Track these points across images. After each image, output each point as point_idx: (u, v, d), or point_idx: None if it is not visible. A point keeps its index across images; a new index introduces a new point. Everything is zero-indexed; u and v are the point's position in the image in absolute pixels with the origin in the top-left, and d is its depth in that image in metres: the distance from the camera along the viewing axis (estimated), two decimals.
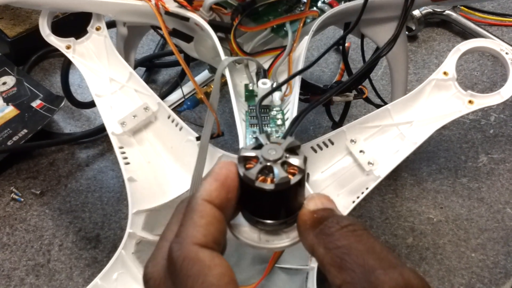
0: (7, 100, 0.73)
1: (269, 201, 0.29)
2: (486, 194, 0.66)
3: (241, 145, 0.44)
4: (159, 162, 0.53)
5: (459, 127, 0.73)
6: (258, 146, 0.30)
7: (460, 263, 0.60)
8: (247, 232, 0.31)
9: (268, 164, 0.28)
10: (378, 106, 0.62)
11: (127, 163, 0.52)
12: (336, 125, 0.68)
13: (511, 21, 0.88)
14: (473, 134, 0.73)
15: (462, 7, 0.87)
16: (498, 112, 0.75)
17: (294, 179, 0.28)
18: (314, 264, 0.49)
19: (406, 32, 0.84)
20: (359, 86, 0.64)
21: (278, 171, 0.28)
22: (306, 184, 0.32)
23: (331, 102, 0.65)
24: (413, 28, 0.85)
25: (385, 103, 0.62)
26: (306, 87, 0.63)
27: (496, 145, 0.71)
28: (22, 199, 0.66)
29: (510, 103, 0.76)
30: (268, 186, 0.28)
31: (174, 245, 0.27)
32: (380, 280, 0.24)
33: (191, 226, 0.27)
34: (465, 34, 0.86)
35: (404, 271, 0.25)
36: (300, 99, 0.57)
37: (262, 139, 0.30)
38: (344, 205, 0.50)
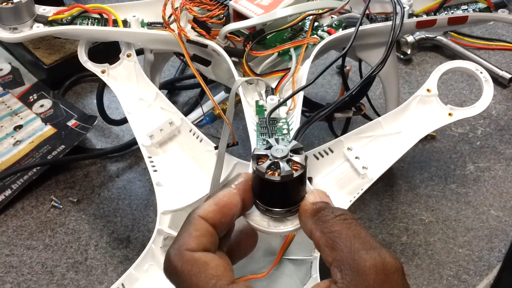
0: (45, 120, 0.82)
1: (276, 191, 0.35)
2: (473, 198, 0.73)
3: (253, 148, 0.51)
4: (182, 169, 0.60)
5: (449, 139, 0.81)
6: (269, 147, 0.36)
7: (449, 257, 0.67)
8: (258, 220, 0.37)
9: (276, 160, 0.35)
10: None
11: (155, 171, 0.60)
12: None
13: (497, 45, 0.96)
14: (461, 146, 0.80)
15: (452, 33, 0.95)
16: (484, 126, 0.82)
17: (296, 173, 0.34)
18: (317, 254, 0.55)
19: (402, 56, 0.92)
20: (358, 104, 0.72)
21: (284, 166, 0.35)
22: (308, 182, 0.38)
23: (333, 118, 0.73)
24: (408, 52, 0.92)
25: None
26: (310, 105, 0.70)
27: (482, 155, 0.79)
28: (61, 206, 0.74)
29: (495, 118, 0.83)
30: (275, 178, 0.34)
31: (171, 250, 0.33)
32: (362, 258, 0.31)
33: (186, 236, 0.32)
34: (455, 57, 0.93)
35: (381, 252, 0.31)
36: (305, 116, 0.65)
37: (272, 141, 0.37)
38: (343, 204, 0.57)
